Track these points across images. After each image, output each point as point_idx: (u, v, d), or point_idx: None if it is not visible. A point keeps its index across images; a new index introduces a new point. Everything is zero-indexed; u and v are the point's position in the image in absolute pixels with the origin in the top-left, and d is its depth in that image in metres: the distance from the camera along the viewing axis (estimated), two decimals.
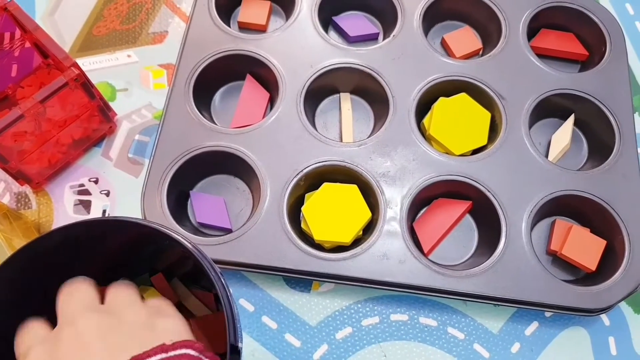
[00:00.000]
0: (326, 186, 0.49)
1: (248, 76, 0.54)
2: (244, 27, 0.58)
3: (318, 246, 0.48)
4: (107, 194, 0.52)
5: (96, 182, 0.52)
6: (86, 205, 0.51)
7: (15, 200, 0.52)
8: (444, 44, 0.58)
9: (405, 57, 0.54)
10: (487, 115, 0.52)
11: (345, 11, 0.59)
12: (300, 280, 0.49)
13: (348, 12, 0.59)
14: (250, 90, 0.54)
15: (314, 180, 0.50)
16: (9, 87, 0.54)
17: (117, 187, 0.52)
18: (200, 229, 0.50)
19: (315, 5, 0.56)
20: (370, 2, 0.58)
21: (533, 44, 0.56)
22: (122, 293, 0.33)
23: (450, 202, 0.50)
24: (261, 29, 0.57)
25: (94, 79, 0.51)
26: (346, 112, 0.54)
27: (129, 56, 0.58)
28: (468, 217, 0.51)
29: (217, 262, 0.45)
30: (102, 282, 0.44)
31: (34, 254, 0.35)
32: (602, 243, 0.48)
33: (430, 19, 0.57)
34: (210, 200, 0.50)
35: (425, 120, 0.53)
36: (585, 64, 0.58)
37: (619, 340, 0.48)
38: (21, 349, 0.30)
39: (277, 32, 0.55)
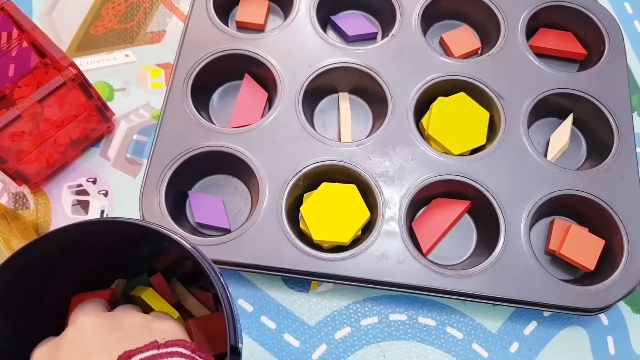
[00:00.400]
0: (325, 186, 0.49)
1: (246, 76, 0.54)
2: (242, 27, 0.58)
3: (317, 246, 0.48)
4: (105, 194, 0.52)
5: (94, 182, 0.52)
6: (84, 205, 0.51)
7: (13, 201, 0.52)
8: (442, 44, 0.58)
9: (404, 57, 0.54)
10: (485, 114, 0.52)
11: (343, 10, 0.59)
12: (299, 280, 0.49)
13: (346, 11, 0.59)
14: (248, 89, 0.54)
15: (312, 180, 0.50)
16: (7, 87, 0.54)
17: (115, 188, 0.52)
18: (198, 229, 0.50)
19: (313, 4, 0.56)
20: (368, 1, 0.58)
21: (532, 43, 0.56)
22: (126, 307, 0.35)
23: (449, 201, 0.50)
24: (259, 29, 0.57)
25: (92, 79, 0.51)
26: (345, 111, 0.54)
27: (126, 56, 0.57)
28: (467, 217, 0.51)
29: (216, 262, 0.45)
30: (101, 282, 0.44)
31: (32, 256, 0.35)
32: (600, 242, 0.48)
33: (429, 18, 0.57)
34: (209, 200, 0.50)
35: (424, 120, 0.53)
36: (584, 64, 0.58)
37: (618, 340, 0.48)
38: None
39: (275, 31, 0.55)
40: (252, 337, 0.47)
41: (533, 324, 0.48)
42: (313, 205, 0.48)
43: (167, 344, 0.29)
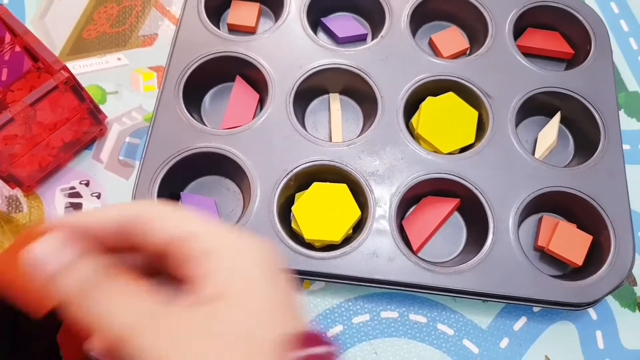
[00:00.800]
0: (316, 186, 0.49)
1: (238, 77, 0.55)
2: (234, 29, 0.58)
3: (309, 245, 0.48)
4: (98, 197, 0.52)
5: (87, 184, 0.52)
6: (77, 207, 0.52)
7: (7, 204, 0.52)
8: (431, 44, 0.59)
9: (393, 58, 0.54)
10: (474, 113, 0.53)
11: (333, 12, 0.60)
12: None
13: (337, 13, 0.60)
14: (240, 91, 0.54)
15: (304, 180, 0.50)
16: (0, 91, 0.54)
17: (108, 190, 0.52)
18: None
19: (303, 6, 0.56)
20: (358, 3, 0.59)
21: (519, 43, 0.57)
22: None
23: (438, 200, 0.51)
24: (251, 31, 0.58)
25: (85, 82, 0.52)
26: (335, 112, 0.55)
27: (119, 59, 0.58)
28: (456, 215, 0.52)
29: None
30: None
31: None
32: (588, 238, 0.49)
33: (418, 19, 0.58)
34: (201, 201, 0.50)
35: (414, 120, 0.53)
36: (571, 63, 0.58)
37: (606, 334, 0.49)
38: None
39: (266, 33, 0.55)
40: None
41: (523, 320, 0.49)
42: (304, 205, 0.48)
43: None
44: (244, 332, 0.19)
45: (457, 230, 0.51)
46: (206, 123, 0.54)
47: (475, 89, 0.53)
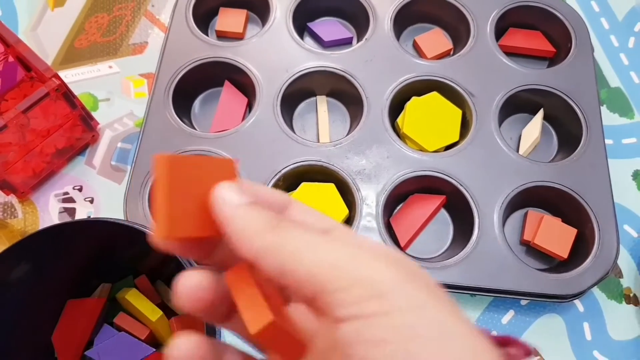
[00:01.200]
0: (304, 186, 0.50)
1: (226, 82, 0.56)
2: (222, 36, 0.60)
3: None
4: (91, 201, 0.53)
5: (80, 189, 0.53)
6: (71, 212, 0.53)
7: (2, 210, 0.53)
8: (415, 46, 0.60)
9: (378, 59, 0.56)
10: (458, 112, 0.54)
11: (319, 17, 0.61)
12: None
13: (322, 18, 0.61)
14: (228, 96, 0.56)
15: (292, 180, 0.51)
16: None
17: (100, 194, 0.53)
18: None
19: (289, 12, 0.58)
20: (343, 8, 0.60)
21: (501, 42, 0.58)
22: None
23: (425, 197, 0.52)
24: (239, 37, 0.59)
25: (77, 90, 0.53)
26: (322, 113, 0.56)
27: (110, 67, 0.59)
28: (443, 212, 0.52)
29: (199, 263, 0.46)
30: (86, 285, 0.46)
31: (17, 255, 0.37)
32: (573, 232, 0.50)
33: (402, 22, 0.59)
34: None
35: (399, 119, 0.54)
36: (553, 61, 0.59)
37: (594, 326, 0.50)
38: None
39: (253, 39, 0.56)
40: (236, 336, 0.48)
41: (510, 313, 0.50)
42: None
43: None
44: None
45: (444, 226, 0.52)
46: (196, 127, 0.55)
47: (458, 88, 0.54)
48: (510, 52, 0.58)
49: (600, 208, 0.49)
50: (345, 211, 0.49)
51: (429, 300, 0.18)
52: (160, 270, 0.46)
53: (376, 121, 0.53)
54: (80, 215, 0.52)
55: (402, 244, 0.50)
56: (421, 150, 0.52)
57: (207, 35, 0.58)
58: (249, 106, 0.56)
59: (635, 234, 0.53)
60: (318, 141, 0.54)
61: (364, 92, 0.54)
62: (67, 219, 0.52)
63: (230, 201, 0.20)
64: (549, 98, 0.55)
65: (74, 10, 0.63)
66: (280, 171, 0.50)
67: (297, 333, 0.20)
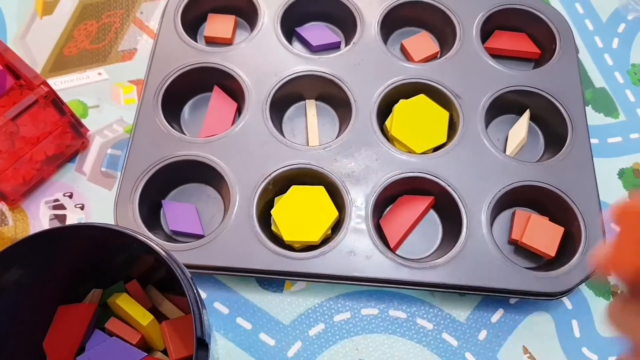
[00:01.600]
0: (294, 189, 0.50)
1: (215, 87, 0.57)
2: (211, 42, 0.60)
3: (289, 247, 0.49)
4: (82, 208, 0.53)
5: (70, 196, 0.54)
6: (61, 219, 0.53)
7: None
8: (403, 49, 0.60)
9: (365, 63, 0.56)
10: (445, 114, 0.54)
11: (307, 22, 0.62)
12: (273, 281, 0.51)
13: (310, 22, 0.62)
14: (217, 101, 0.56)
15: (282, 183, 0.51)
16: None
17: (91, 201, 0.53)
18: (173, 237, 0.51)
19: (277, 17, 0.58)
20: (330, 12, 0.61)
21: (487, 45, 0.59)
22: None
23: (413, 198, 0.52)
24: (227, 43, 0.60)
25: (66, 98, 0.53)
26: (311, 117, 0.56)
27: (99, 74, 0.60)
28: (432, 212, 0.53)
29: (190, 266, 0.47)
30: (77, 290, 0.46)
31: (6, 260, 0.37)
32: (560, 230, 0.50)
33: (389, 26, 0.60)
34: (182, 208, 0.51)
35: (387, 122, 0.55)
36: (539, 62, 0.60)
37: (582, 323, 0.50)
38: None
39: (241, 44, 0.57)
40: (228, 338, 0.48)
41: (500, 312, 0.50)
42: (283, 208, 0.49)
43: None
44: None
45: (433, 227, 0.52)
46: (186, 133, 0.55)
47: (445, 90, 0.55)
48: (496, 54, 0.59)
49: (586, 206, 0.50)
50: (335, 213, 0.49)
51: None
52: (151, 275, 0.47)
53: (365, 124, 0.53)
54: (71, 221, 0.53)
55: (392, 245, 0.50)
56: (409, 152, 0.53)
57: (195, 41, 0.58)
58: (239, 111, 0.56)
59: None
60: (307, 144, 0.55)
61: (353, 96, 0.54)
62: (57, 225, 0.53)
63: None
64: (535, 99, 0.56)
65: (63, 18, 0.63)
66: (270, 175, 0.51)
67: None
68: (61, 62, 0.60)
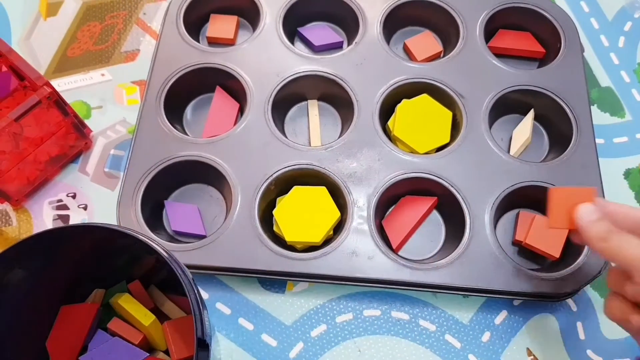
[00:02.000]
0: (296, 189, 0.50)
1: (218, 88, 0.57)
2: (213, 42, 0.60)
3: (291, 248, 0.49)
4: (85, 208, 0.53)
5: (74, 197, 0.54)
6: (65, 219, 0.53)
7: None
8: (406, 49, 0.60)
9: (368, 63, 0.56)
10: (448, 114, 0.54)
11: (309, 22, 0.62)
12: (275, 281, 0.51)
13: (313, 22, 0.62)
14: (220, 101, 0.56)
15: (284, 184, 0.51)
16: None
17: (94, 201, 0.54)
18: (175, 237, 0.51)
19: (279, 17, 0.58)
20: (332, 12, 0.61)
21: (491, 44, 0.59)
22: None
23: (416, 199, 0.52)
24: (230, 43, 0.60)
25: (69, 99, 0.53)
26: (314, 117, 0.56)
27: (102, 75, 0.60)
28: (435, 213, 0.53)
29: (192, 267, 0.47)
30: (80, 290, 0.46)
31: (10, 260, 0.37)
32: (564, 231, 0.50)
33: (392, 25, 0.60)
34: (184, 208, 0.51)
35: (390, 122, 0.55)
36: (543, 61, 0.60)
37: (587, 325, 0.50)
38: None
39: (244, 44, 0.57)
40: (230, 339, 0.48)
41: (503, 314, 0.50)
42: (285, 208, 0.49)
43: None
44: None
45: (435, 228, 0.52)
46: (188, 133, 0.55)
47: (448, 90, 0.55)
48: (500, 54, 0.58)
49: None
50: (337, 214, 0.49)
51: None
52: (153, 275, 0.47)
53: (367, 124, 0.53)
54: (74, 222, 0.53)
55: (395, 246, 0.50)
56: (412, 153, 0.53)
57: (198, 41, 0.58)
58: (241, 111, 0.56)
59: None
60: (309, 145, 0.55)
61: (355, 96, 0.54)
62: (61, 225, 0.53)
63: (583, 216, 0.38)
64: (540, 98, 0.55)
65: (67, 20, 0.63)
66: (272, 175, 0.51)
67: None
68: (65, 63, 0.61)
